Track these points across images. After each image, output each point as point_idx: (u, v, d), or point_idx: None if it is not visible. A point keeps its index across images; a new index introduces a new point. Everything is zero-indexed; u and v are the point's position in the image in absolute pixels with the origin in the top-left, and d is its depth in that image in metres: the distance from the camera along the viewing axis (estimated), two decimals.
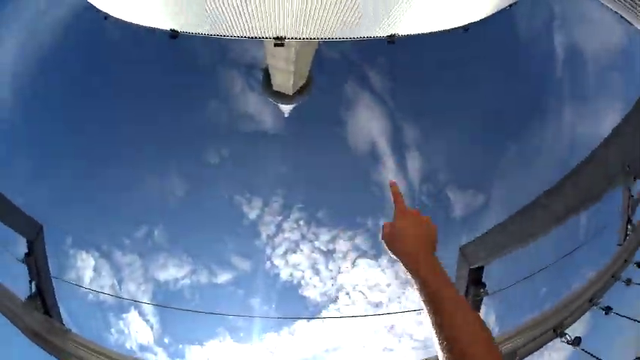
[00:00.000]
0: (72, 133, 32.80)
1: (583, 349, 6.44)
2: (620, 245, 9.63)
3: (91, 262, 31.30)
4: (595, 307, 7.36)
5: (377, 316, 35.12)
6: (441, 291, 1.25)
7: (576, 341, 5.99)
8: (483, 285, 5.67)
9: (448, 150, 36.32)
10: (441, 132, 36.25)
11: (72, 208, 31.89)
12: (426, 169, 35.61)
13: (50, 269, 6.90)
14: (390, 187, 1.72)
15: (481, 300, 5.63)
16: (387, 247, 1.53)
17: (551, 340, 6.09)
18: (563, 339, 6.30)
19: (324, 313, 34.15)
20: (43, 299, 6.39)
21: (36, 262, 6.36)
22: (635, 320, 6.65)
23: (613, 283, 8.28)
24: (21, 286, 6.71)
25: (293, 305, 34.92)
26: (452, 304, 1.23)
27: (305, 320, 33.01)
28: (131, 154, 34.58)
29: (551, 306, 6.63)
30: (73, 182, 32.67)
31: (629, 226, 9.83)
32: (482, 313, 5.81)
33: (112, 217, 33.73)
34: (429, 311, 1.24)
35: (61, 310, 7.09)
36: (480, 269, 5.67)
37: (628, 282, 8.48)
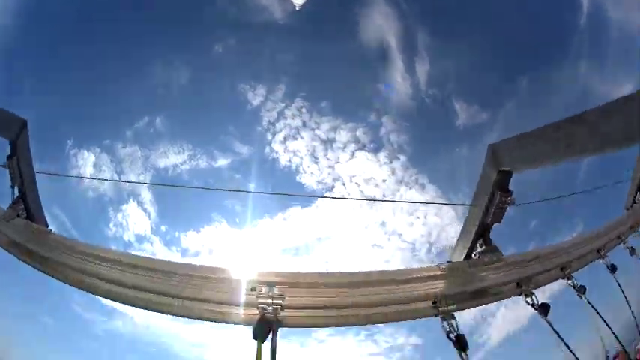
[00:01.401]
0: (73, 22, 30.41)
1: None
2: (627, 210, 8.94)
3: (92, 158, 30.67)
4: (601, 261, 6.59)
5: (370, 210, 34.37)
6: None
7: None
8: (510, 192, 4.65)
9: (458, 62, 35.70)
10: (454, 44, 35.27)
11: (73, 101, 30.89)
12: (435, 74, 34.90)
13: (40, 169, 5.70)
14: None
15: (505, 209, 4.63)
16: None
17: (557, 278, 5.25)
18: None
19: (319, 202, 33.76)
20: (26, 203, 5.40)
21: (18, 164, 5.30)
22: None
23: (618, 243, 7.58)
24: None
25: (289, 191, 35.39)
26: None
27: (299, 207, 32.26)
28: (134, 42, 32.77)
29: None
30: (75, 73, 30.67)
31: (638, 193, 9.11)
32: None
33: (114, 108, 32.44)
34: None
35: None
36: (509, 174, 4.63)
37: (632, 251, 7.80)
